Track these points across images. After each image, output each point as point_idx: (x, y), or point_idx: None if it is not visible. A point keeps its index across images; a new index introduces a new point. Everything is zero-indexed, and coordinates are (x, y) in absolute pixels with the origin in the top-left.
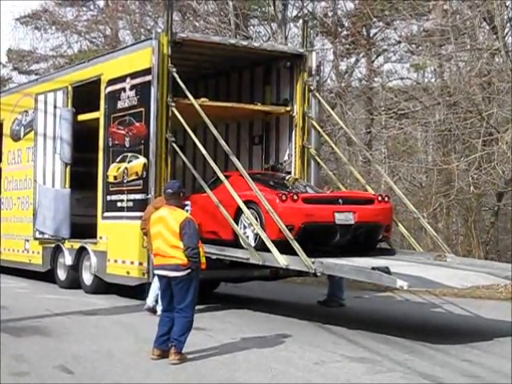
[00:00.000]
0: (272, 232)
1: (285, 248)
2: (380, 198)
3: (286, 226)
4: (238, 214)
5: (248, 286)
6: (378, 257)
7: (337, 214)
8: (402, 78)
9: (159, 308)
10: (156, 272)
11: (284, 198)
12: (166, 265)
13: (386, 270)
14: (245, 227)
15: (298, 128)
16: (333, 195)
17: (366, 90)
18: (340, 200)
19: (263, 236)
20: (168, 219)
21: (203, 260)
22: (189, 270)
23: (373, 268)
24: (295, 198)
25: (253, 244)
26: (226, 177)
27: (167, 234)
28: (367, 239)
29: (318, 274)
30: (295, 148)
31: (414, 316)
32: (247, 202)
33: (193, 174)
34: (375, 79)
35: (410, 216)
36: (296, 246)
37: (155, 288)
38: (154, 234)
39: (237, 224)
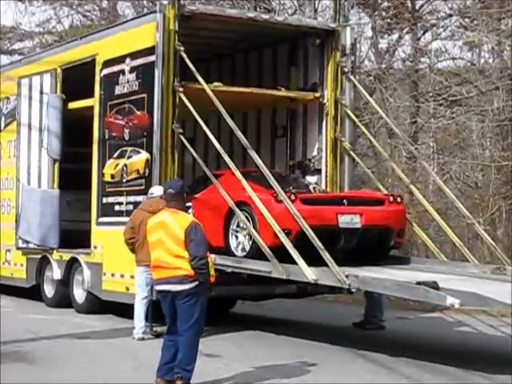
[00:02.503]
0: (267, 236)
1: (283, 255)
2: (391, 199)
3: (283, 230)
4: (228, 218)
5: (269, 304)
6: (423, 269)
7: (341, 217)
8: (453, 59)
9: (159, 328)
10: (157, 288)
11: (280, 198)
12: (169, 278)
13: (434, 286)
14: (236, 232)
15: (330, 117)
16: (336, 195)
17: (411, 72)
18: (344, 200)
19: (288, 245)
20: (170, 224)
21: (212, 272)
22: (196, 283)
23: (418, 283)
24: (293, 198)
25: (245, 251)
26: (217, 176)
27: (170, 243)
28: (377, 245)
29: (353, 290)
30: (326, 141)
31: (467, 341)
32: (238, 204)
33: (204, 172)
34: (422, 59)
35: (462, 222)
36: (327, 256)
37: (140, 310)
38: (153, 242)
39: (227, 229)
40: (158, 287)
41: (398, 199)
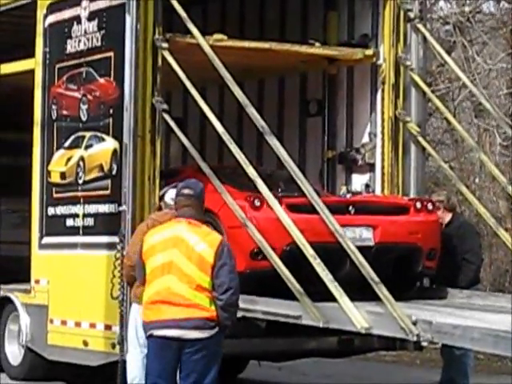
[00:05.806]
0: (240, 259)
1: (263, 286)
2: (418, 205)
3: (260, 250)
4: None
5: (300, 366)
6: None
7: (345, 231)
8: None
9: None
10: (157, 333)
11: (257, 203)
12: (180, 320)
13: None
14: None
15: (388, 87)
16: (339, 200)
17: (508, 17)
18: (351, 207)
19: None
20: (191, 241)
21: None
22: (217, 329)
23: None
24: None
25: None
26: (178, 173)
27: (189, 266)
28: (398, 272)
29: (424, 344)
30: (382, 122)
31: None
32: None
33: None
34: None
35: None
36: (383, 292)
37: (136, 371)
38: (160, 266)
39: None
40: (160, 332)
41: (429, 206)
